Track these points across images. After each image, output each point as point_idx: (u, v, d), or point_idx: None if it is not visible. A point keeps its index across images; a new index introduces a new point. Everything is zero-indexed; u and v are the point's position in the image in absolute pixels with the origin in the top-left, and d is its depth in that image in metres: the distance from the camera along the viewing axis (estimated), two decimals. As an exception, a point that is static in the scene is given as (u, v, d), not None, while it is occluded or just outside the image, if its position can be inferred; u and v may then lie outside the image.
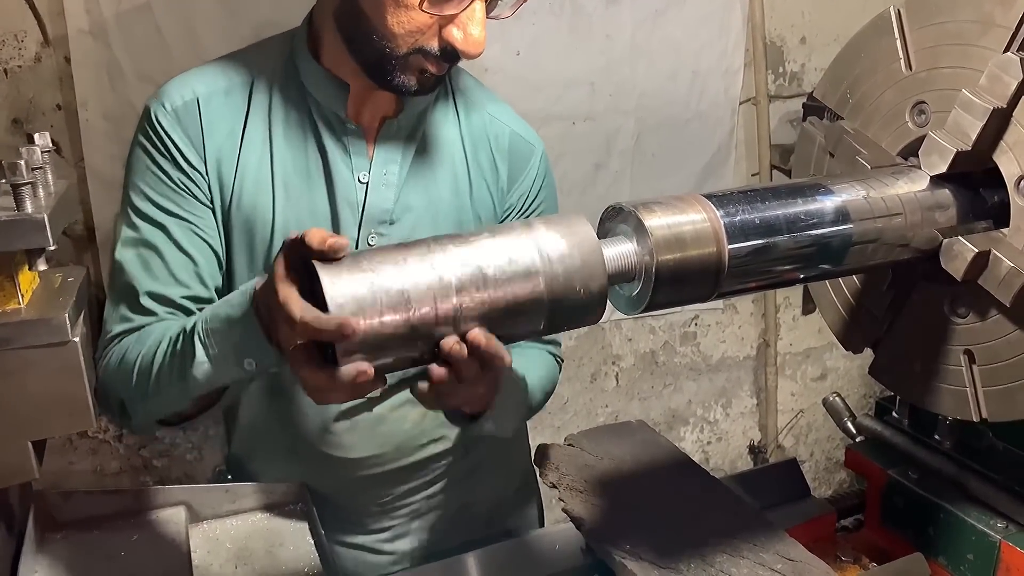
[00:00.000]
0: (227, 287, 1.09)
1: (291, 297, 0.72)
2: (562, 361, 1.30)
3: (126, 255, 1.05)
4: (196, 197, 1.05)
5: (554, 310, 0.78)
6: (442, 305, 0.72)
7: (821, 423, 2.77)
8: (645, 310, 0.84)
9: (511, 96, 1.38)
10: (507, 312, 0.76)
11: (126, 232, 1.05)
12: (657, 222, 0.81)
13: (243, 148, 1.05)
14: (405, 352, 0.73)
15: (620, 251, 0.81)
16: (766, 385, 2.68)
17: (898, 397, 1.38)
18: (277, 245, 1.06)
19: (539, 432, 2.38)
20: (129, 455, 1.90)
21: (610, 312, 0.88)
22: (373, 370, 0.72)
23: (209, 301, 1.05)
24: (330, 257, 0.71)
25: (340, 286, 0.70)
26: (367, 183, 1.07)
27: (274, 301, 0.74)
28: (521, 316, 0.77)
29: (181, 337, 0.93)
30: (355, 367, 0.71)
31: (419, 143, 1.11)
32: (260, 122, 1.06)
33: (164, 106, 1.05)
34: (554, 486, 1.19)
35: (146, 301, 1.04)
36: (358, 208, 1.08)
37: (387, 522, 1.27)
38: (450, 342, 0.73)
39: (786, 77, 2.40)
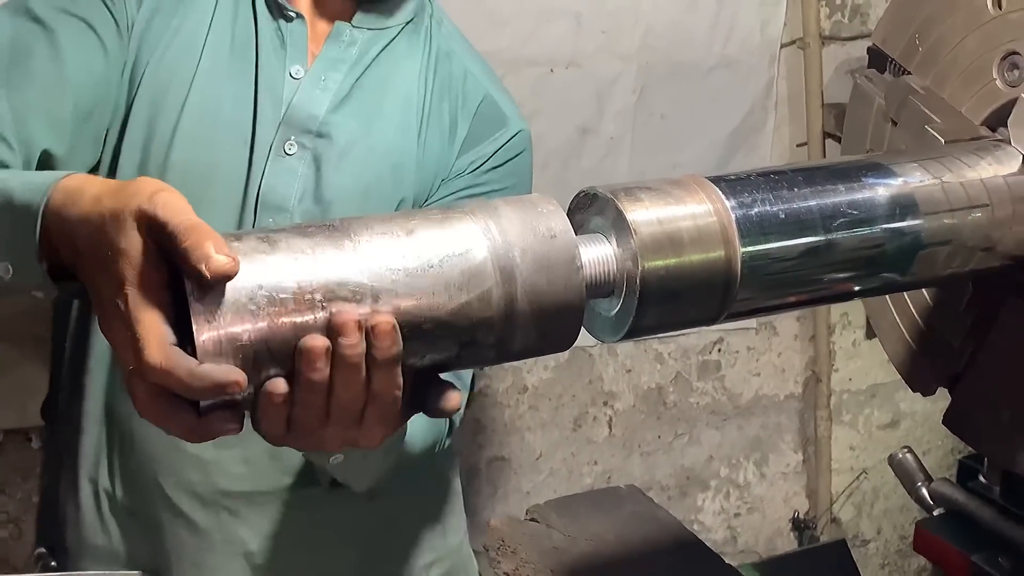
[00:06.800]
0: (113, 157, 1.20)
1: (146, 325, 0.71)
2: (455, 422, 1.30)
3: None
4: (115, 20, 1.18)
5: (509, 331, 0.78)
6: (353, 311, 0.73)
7: (892, 488, 2.80)
8: (627, 336, 0.84)
9: (465, 32, 1.39)
10: (441, 329, 0.76)
11: (1, 20, 1.14)
12: (644, 215, 0.81)
13: (181, 10, 1.22)
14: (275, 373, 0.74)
15: (593, 255, 0.82)
16: (816, 435, 2.70)
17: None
18: (186, 124, 1.18)
19: (500, 499, 2.39)
20: (-83, 530, 1.88)
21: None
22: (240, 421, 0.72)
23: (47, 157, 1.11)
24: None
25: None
26: (300, 80, 1.23)
27: (120, 295, 0.73)
28: (461, 336, 0.77)
29: None
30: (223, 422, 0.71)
31: (372, 66, 1.26)
32: None
33: None
34: (509, 577, 1.19)
35: None
36: (282, 104, 1.22)
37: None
38: (348, 315, 0.72)
39: (845, 11, 2.44)
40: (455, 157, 1.30)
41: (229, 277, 0.69)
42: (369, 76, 1.26)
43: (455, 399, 0.79)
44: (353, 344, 0.72)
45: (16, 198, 0.85)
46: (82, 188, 0.81)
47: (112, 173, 1.20)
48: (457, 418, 1.30)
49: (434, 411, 0.80)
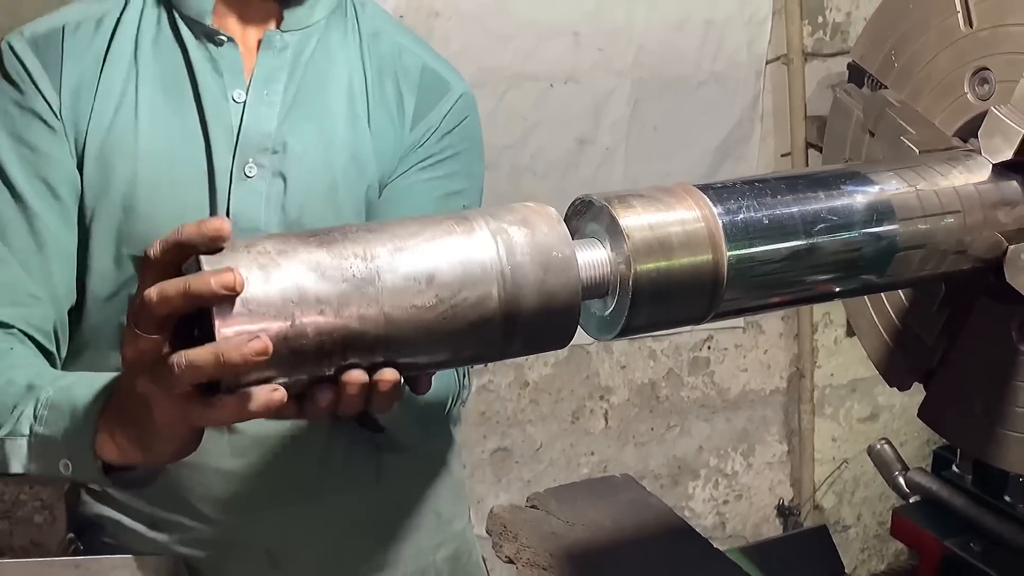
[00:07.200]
0: (82, 238, 1.17)
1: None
2: (467, 377, 1.31)
3: None
4: (47, 124, 1.15)
5: (509, 340, 0.78)
6: (365, 311, 0.73)
7: (871, 477, 2.80)
8: (621, 334, 0.84)
9: (469, 49, 1.38)
10: (445, 353, 0.77)
11: None
12: (636, 221, 0.81)
13: (105, 70, 1.17)
14: (303, 372, 0.74)
15: (588, 258, 0.82)
16: (800, 427, 2.70)
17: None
18: (143, 174, 1.14)
19: (503, 487, 2.39)
20: (-44, 517, 1.88)
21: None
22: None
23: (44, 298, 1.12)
24: (214, 248, 0.72)
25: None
26: (243, 103, 1.18)
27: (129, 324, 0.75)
28: (468, 335, 0.77)
29: (20, 392, 0.97)
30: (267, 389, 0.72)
31: (309, 63, 1.22)
32: (127, 42, 1.18)
33: (23, 34, 1.17)
34: (511, 561, 1.19)
35: None
36: (233, 131, 1.18)
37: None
38: (356, 376, 0.74)
39: (827, 29, 2.43)
40: (408, 131, 1.27)
41: (220, 232, 0.72)
42: (308, 76, 1.22)
43: (425, 387, 0.84)
44: (356, 397, 0.75)
45: (79, 403, 0.90)
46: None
47: (86, 238, 1.17)
48: (469, 385, 1.32)
49: (413, 392, 0.84)
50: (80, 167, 1.16)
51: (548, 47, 2.10)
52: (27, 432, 0.94)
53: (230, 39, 1.18)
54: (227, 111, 1.18)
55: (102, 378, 0.92)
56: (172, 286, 0.71)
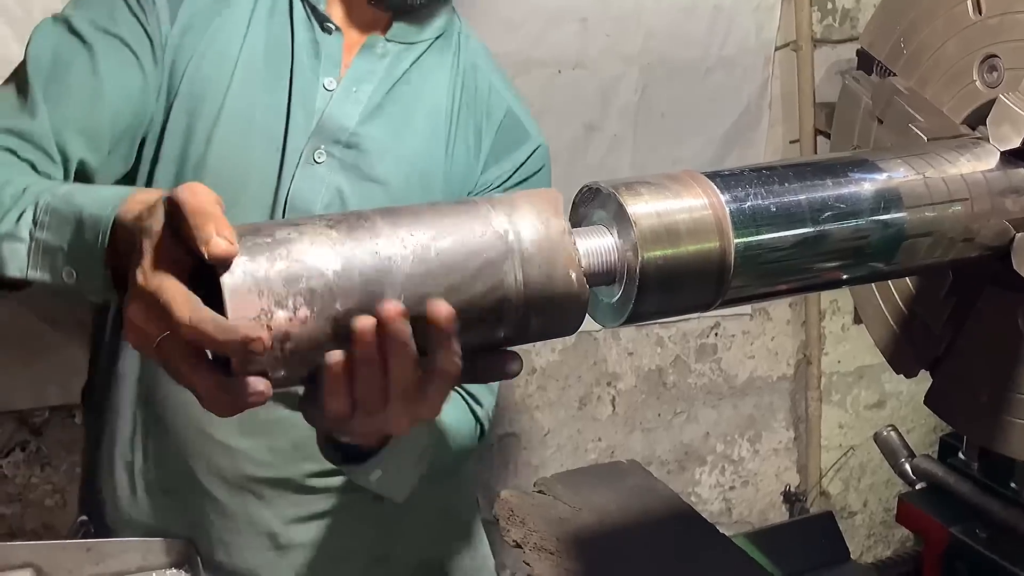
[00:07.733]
0: (151, 165, 1.19)
1: (170, 289, 0.69)
2: (484, 425, 1.30)
3: (38, 48, 1.12)
4: (150, 38, 1.17)
5: (518, 324, 0.79)
6: (379, 297, 0.73)
7: (878, 464, 2.80)
8: (628, 321, 0.84)
9: (478, 35, 1.39)
10: (465, 314, 0.77)
11: (44, 34, 1.14)
12: (643, 208, 0.81)
13: (216, 22, 1.20)
14: (312, 360, 0.74)
15: (595, 245, 0.82)
16: (807, 414, 2.70)
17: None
18: (221, 131, 1.17)
19: (512, 472, 2.39)
20: (-33, 499, 1.89)
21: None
22: (271, 389, 0.72)
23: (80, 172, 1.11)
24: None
25: (241, 271, 0.69)
26: (332, 92, 1.21)
27: (144, 282, 0.73)
28: (481, 319, 0.78)
29: (17, 193, 0.94)
30: (255, 383, 0.70)
31: (404, 77, 1.25)
32: (246, 5, 1.22)
33: None
34: (518, 545, 1.20)
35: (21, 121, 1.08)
36: (314, 115, 1.21)
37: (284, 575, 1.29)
38: (392, 309, 0.71)
39: (836, 15, 2.42)
40: (480, 171, 1.30)
41: (227, 260, 0.67)
42: (400, 88, 1.25)
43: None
44: (400, 330, 0.71)
45: (86, 211, 0.86)
46: (142, 198, 0.81)
47: (149, 181, 1.19)
48: (486, 422, 1.30)
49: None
50: (168, 108, 1.18)
51: (556, 33, 2.09)
52: (26, 237, 0.90)
53: (338, 29, 1.21)
54: (314, 95, 1.21)
55: (106, 189, 0.90)
56: (207, 326, 0.67)
